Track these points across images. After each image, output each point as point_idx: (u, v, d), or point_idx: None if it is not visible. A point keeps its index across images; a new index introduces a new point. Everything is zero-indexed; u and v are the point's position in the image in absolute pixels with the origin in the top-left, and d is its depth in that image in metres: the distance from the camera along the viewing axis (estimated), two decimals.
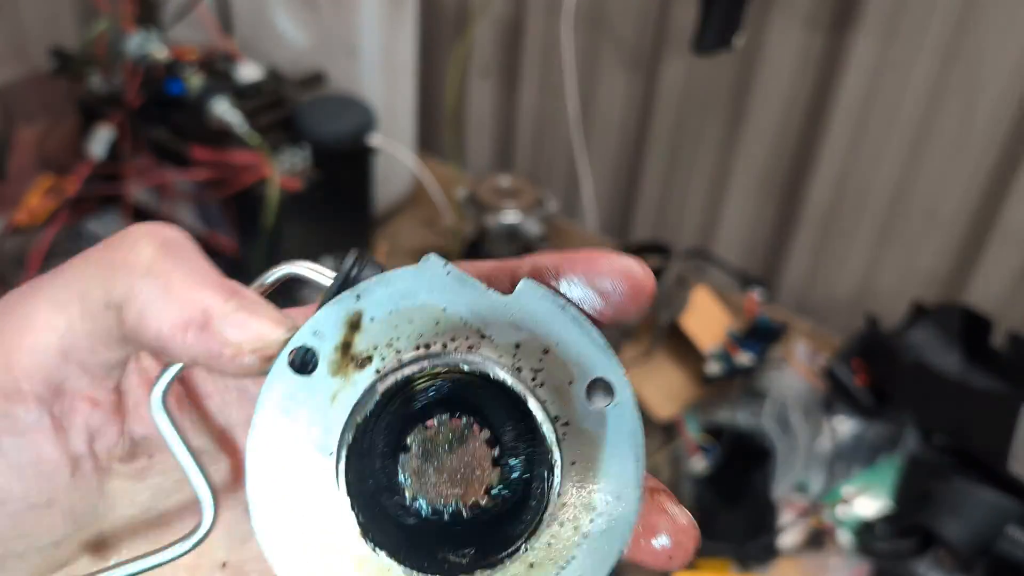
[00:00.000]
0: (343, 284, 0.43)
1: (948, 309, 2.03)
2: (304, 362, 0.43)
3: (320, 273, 0.46)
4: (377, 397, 0.42)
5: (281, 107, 2.31)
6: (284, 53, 2.48)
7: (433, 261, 0.42)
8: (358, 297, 0.42)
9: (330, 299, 0.43)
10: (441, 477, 0.45)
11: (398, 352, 0.43)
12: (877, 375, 2.04)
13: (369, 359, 0.43)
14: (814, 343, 2.24)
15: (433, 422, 0.45)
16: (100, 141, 2.36)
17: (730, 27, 1.95)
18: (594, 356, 0.42)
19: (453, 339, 0.43)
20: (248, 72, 2.34)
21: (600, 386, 0.43)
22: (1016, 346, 1.88)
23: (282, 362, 0.42)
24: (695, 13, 1.90)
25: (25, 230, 2.40)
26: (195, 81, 2.20)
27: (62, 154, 2.53)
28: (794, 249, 2.41)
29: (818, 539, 1.87)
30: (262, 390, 0.43)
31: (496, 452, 0.46)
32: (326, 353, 0.43)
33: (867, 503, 1.90)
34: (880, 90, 2.10)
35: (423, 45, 2.62)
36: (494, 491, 0.46)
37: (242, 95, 2.25)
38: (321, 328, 0.43)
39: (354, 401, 0.42)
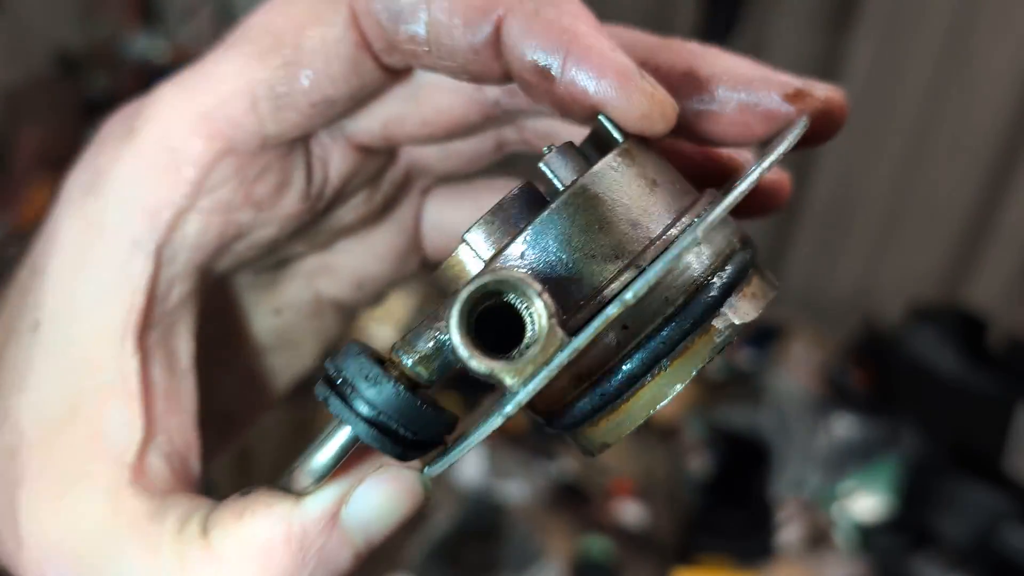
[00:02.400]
0: (380, 431, 0.37)
1: (946, 311, 2.04)
2: None
3: (341, 444, 0.38)
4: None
5: None
6: None
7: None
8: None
9: (408, 457, 0.37)
10: None
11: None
12: (875, 375, 2.05)
13: None
14: (813, 343, 2.25)
15: None
16: None
17: (730, 26, 1.95)
18: None
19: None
20: None
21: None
22: (1012, 349, 1.90)
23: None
24: (694, 13, 1.91)
25: (30, 232, 2.41)
26: None
27: (66, 156, 2.54)
28: (794, 250, 2.42)
29: (816, 537, 1.88)
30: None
31: None
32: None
33: (864, 501, 1.91)
34: (879, 90, 2.11)
35: None
36: None
37: None
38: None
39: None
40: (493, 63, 0.36)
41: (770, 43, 2.21)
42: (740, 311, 0.36)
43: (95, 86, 2.47)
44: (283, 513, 0.36)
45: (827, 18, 2.12)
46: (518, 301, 0.34)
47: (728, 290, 0.36)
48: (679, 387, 0.36)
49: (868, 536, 1.83)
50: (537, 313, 0.33)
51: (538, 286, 0.33)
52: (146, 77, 2.31)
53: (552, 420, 0.38)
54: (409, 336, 0.36)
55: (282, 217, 0.41)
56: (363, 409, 0.36)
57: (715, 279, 0.36)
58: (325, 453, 0.37)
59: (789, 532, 1.88)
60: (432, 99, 0.41)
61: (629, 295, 0.31)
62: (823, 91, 0.40)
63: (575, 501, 2.00)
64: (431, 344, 0.36)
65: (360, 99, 0.40)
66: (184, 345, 0.41)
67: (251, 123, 0.38)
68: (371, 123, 0.41)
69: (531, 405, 0.38)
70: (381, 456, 0.37)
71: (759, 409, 2.08)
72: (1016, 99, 1.97)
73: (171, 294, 0.40)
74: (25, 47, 2.75)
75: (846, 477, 1.96)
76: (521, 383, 0.32)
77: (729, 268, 0.36)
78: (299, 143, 0.41)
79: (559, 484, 2.03)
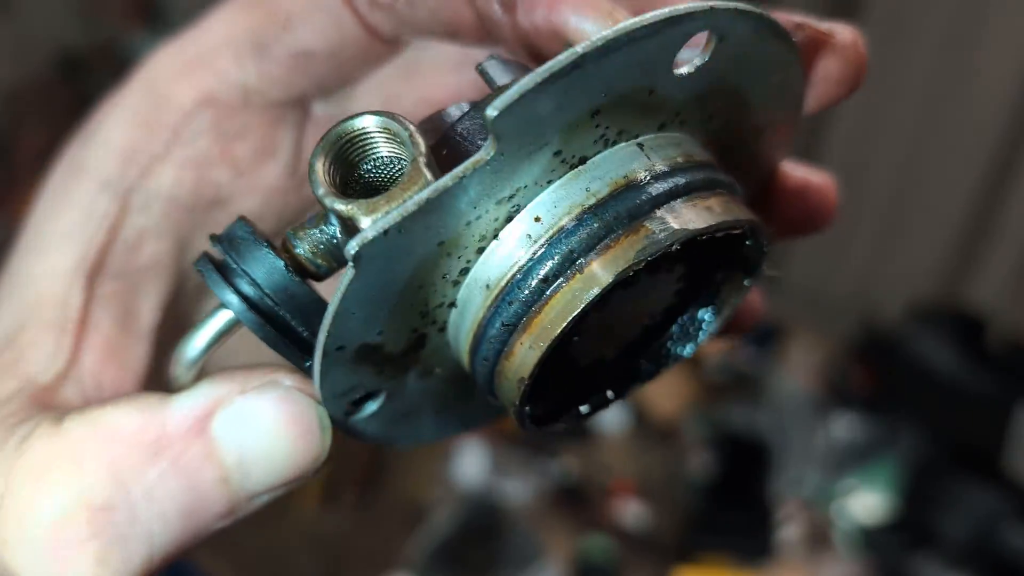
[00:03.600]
0: (260, 315, 0.33)
1: (945, 311, 2.05)
2: (367, 396, 0.35)
3: (220, 326, 0.34)
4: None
5: None
6: None
7: (366, 252, 0.29)
8: (339, 348, 0.32)
9: (297, 358, 0.34)
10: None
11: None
12: (875, 375, 2.05)
13: (421, 336, 0.34)
14: (813, 343, 2.25)
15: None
16: None
17: None
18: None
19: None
20: None
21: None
22: (1011, 349, 1.91)
23: (347, 423, 0.35)
24: None
25: None
26: None
27: None
28: (794, 250, 2.43)
29: (816, 536, 1.89)
30: (359, 439, 0.36)
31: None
32: (374, 383, 0.35)
33: (864, 501, 1.91)
34: (879, 91, 2.11)
35: None
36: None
37: None
38: (344, 387, 0.34)
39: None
40: (464, 8, 0.35)
41: None
42: (683, 216, 0.32)
43: (97, 87, 2.47)
44: (146, 405, 0.33)
45: (827, 18, 2.13)
46: (396, 146, 0.31)
47: (671, 194, 0.32)
48: (596, 291, 0.31)
49: (868, 536, 1.83)
50: (407, 153, 0.31)
51: (410, 125, 0.31)
52: None
53: (474, 362, 0.34)
54: (303, 221, 0.34)
55: (264, 188, 0.40)
56: (245, 287, 0.32)
57: (656, 180, 0.32)
58: (200, 339, 0.34)
59: (789, 532, 1.88)
60: (427, 77, 0.40)
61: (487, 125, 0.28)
62: (828, 26, 0.36)
63: (575, 501, 2.00)
64: (324, 227, 0.33)
65: (342, 60, 0.39)
66: (148, 310, 0.39)
67: (233, 73, 0.38)
68: (369, 103, 0.41)
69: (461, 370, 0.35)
70: (274, 373, 0.34)
71: (759, 409, 2.08)
72: (1016, 99, 1.97)
73: (142, 247, 0.38)
74: (27, 48, 2.75)
75: (846, 477, 1.96)
76: (373, 221, 0.29)
77: (679, 175, 0.32)
78: (290, 113, 0.40)
79: (559, 484, 2.03)
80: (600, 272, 0.31)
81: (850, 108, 2.16)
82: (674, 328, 0.40)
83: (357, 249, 0.29)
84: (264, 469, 0.33)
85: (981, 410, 1.75)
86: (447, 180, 0.29)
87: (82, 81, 2.61)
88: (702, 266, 0.38)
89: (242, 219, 0.34)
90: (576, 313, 0.31)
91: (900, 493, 1.86)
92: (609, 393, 0.39)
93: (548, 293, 0.31)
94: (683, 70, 0.32)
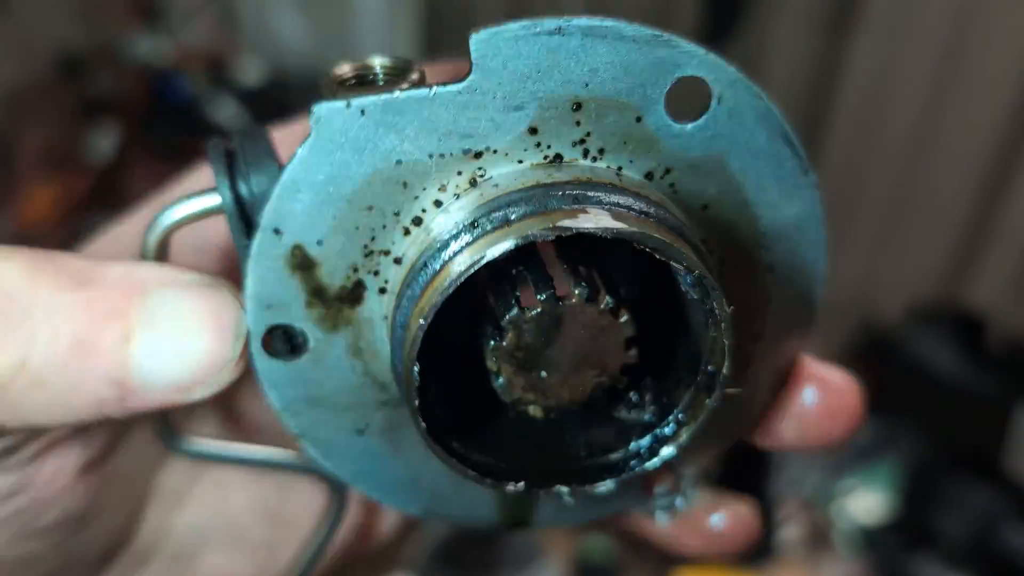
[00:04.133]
0: (241, 215, 0.35)
1: (945, 311, 2.05)
2: (290, 346, 0.36)
3: (204, 206, 0.36)
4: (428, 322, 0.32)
5: (285, 109, 2.33)
6: (288, 55, 2.50)
7: (326, 113, 0.31)
8: (276, 231, 0.33)
9: (245, 250, 0.34)
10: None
11: (391, 256, 0.34)
12: (875, 376, 2.05)
13: (359, 285, 0.35)
14: (813, 344, 2.25)
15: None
16: (106, 142, 2.38)
17: (730, 26, 1.96)
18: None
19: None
20: (252, 75, 2.37)
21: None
22: (1011, 349, 1.91)
23: (263, 359, 0.35)
24: (694, 13, 1.91)
25: (32, 231, 2.42)
26: (200, 83, 2.23)
27: (68, 155, 2.55)
28: None
29: (816, 536, 1.88)
30: (267, 396, 0.36)
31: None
32: (302, 317, 0.35)
33: (864, 501, 1.91)
34: (879, 90, 2.11)
35: (425, 45, 2.64)
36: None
37: (246, 97, 2.27)
38: (271, 297, 0.34)
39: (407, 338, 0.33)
40: None
41: (770, 44, 2.22)
42: (627, 221, 0.32)
43: (97, 87, 2.47)
44: (94, 259, 0.35)
45: (827, 19, 2.13)
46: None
47: (629, 207, 0.33)
48: (512, 241, 0.31)
49: (868, 536, 1.83)
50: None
51: (417, 65, 0.34)
52: (148, 78, 2.31)
53: (395, 317, 0.34)
54: None
55: None
56: (242, 186, 0.34)
57: (619, 193, 0.33)
58: (180, 210, 0.36)
59: (789, 532, 1.88)
60: None
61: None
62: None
63: None
64: None
65: None
66: None
67: None
68: None
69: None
70: (217, 279, 0.36)
71: None
72: (1016, 99, 1.97)
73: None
74: (27, 48, 2.74)
75: (846, 477, 1.96)
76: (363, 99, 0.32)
77: (647, 204, 0.33)
78: None
79: None
80: (523, 228, 0.32)
81: (850, 109, 2.16)
82: (632, 445, 0.39)
83: (317, 107, 0.31)
84: (168, 354, 0.34)
85: (981, 410, 1.75)
86: (419, 88, 0.32)
87: (82, 81, 2.60)
88: (656, 348, 0.38)
89: (266, 128, 0.36)
90: (488, 256, 0.32)
91: (900, 493, 1.86)
92: (520, 485, 0.38)
93: (471, 239, 0.33)
94: (680, 123, 0.33)
